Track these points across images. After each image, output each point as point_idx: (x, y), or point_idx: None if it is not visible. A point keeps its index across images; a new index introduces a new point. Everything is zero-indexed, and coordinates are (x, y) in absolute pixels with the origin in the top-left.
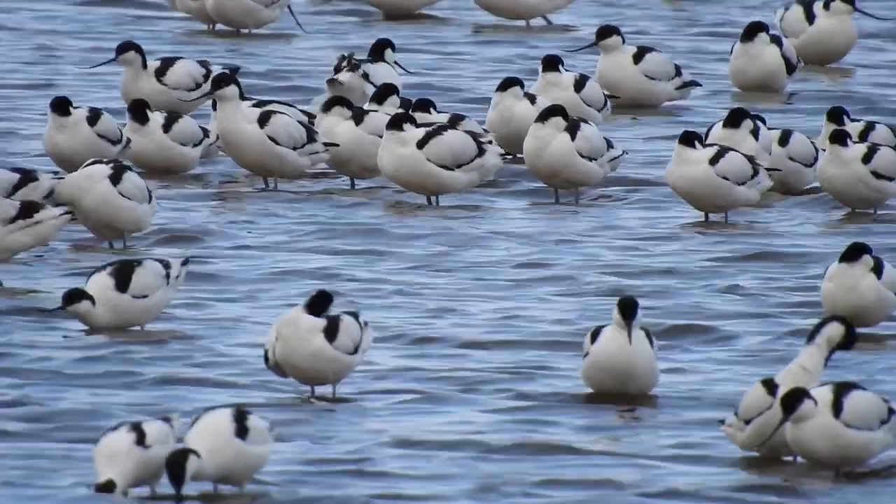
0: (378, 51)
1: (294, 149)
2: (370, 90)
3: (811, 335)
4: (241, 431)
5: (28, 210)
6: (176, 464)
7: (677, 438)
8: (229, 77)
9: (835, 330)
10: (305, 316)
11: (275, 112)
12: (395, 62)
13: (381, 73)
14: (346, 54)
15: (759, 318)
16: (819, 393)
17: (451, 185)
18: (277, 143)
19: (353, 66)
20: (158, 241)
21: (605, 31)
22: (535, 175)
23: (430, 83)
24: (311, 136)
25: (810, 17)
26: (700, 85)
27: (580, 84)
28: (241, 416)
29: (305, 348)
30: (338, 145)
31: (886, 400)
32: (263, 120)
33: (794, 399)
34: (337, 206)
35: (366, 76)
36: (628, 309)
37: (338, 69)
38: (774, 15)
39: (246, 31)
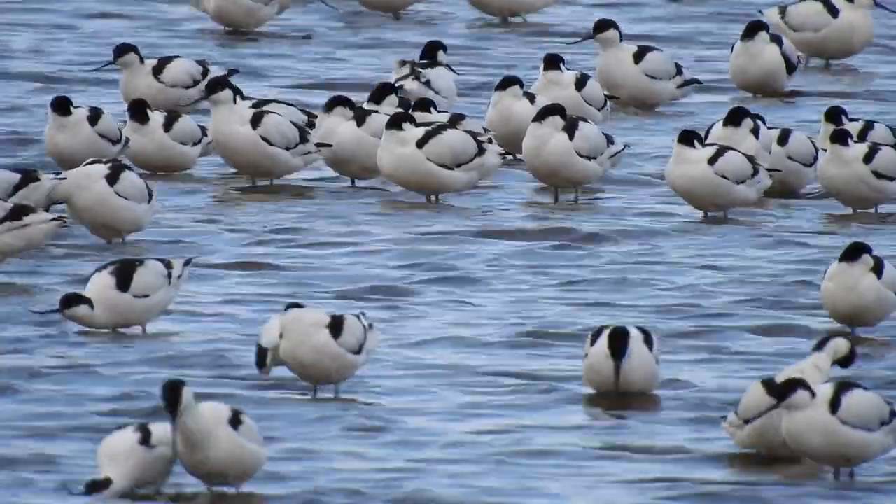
0: (431, 52)
1: (287, 149)
2: (433, 96)
3: (818, 346)
4: (234, 422)
5: (17, 212)
6: (172, 389)
7: None
8: (223, 81)
9: (841, 345)
10: (311, 311)
11: (267, 112)
12: (447, 64)
13: (441, 76)
14: (406, 60)
15: None
16: (820, 388)
17: (450, 184)
18: (270, 144)
19: (416, 74)
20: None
21: (603, 25)
22: (534, 174)
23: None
24: (304, 137)
25: (833, 11)
26: (701, 83)
27: (581, 83)
28: (237, 411)
29: (309, 343)
30: (330, 146)
31: (889, 402)
32: (256, 121)
33: (789, 387)
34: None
35: (428, 83)
36: (618, 344)
37: (411, 72)
38: (764, 14)
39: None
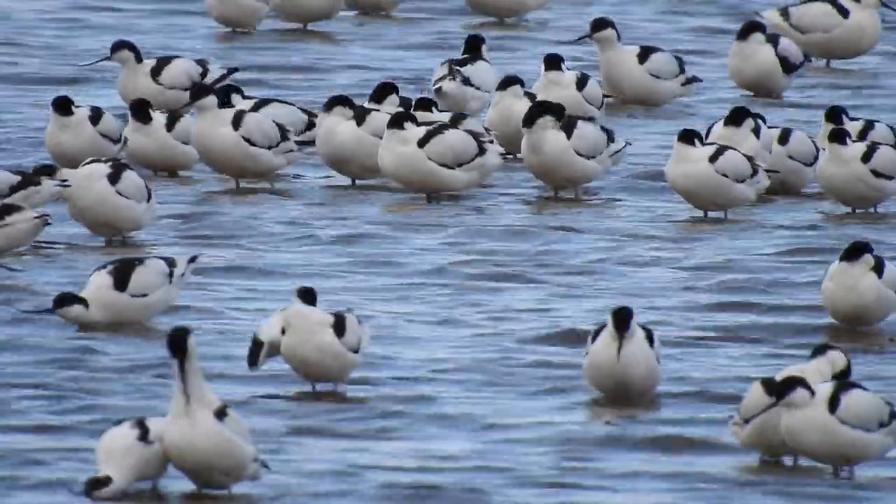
0: (474, 47)
1: (269, 147)
2: (472, 93)
3: (815, 353)
4: (220, 414)
5: None
6: (177, 339)
7: None
8: (208, 87)
9: (838, 360)
10: (316, 310)
11: (246, 112)
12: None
13: (481, 71)
14: (448, 60)
15: None
16: (819, 388)
17: (451, 184)
18: (253, 144)
19: (454, 74)
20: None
21: (600, 24)
22: (534, 174)
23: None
24: (285, 135)
25: (843, 12)
26: (701, 80)
27: (582, 83)
28: (224, 404)
29: (313, 341)
30: (312, 143)
31: (890, 403)
32: (237, 121)
33: (788, 385)
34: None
35: (467, 81)
36: (622, 321)
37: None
38: (763, 16)
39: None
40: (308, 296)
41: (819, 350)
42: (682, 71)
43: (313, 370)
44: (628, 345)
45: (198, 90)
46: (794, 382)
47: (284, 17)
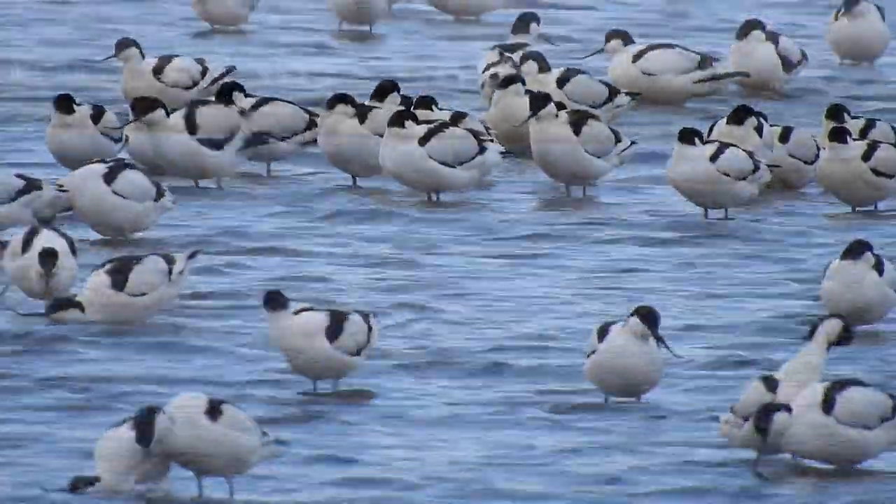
0: (524, 26)
1: (221, 146)
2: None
3: (810, 333)
4: (213, 413)
5: None
6: (144, 422)
7: None
8: (156, 101)
9: (832, 327)
10: (296, 317)
11: (196, 108)
12: (540, 34)
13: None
14: (496, 46)
15: None
16: (811, 391)
17: (452, 182)
18: (213, 146)
19: (505, 59)
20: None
21: (609, 36)
22: (543, 170)
23: None
24: (233, 133)
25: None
26: (748, 76)
27: (563, 80)
28: (215, 402)
29: (304, 348)
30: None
31: (893, 396)
32: (191, 124)
33: (765, 418)
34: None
35: (517, 67)
36: (655, 319)
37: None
38: (833, 22)
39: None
40: (275, 302)
41: (811, 332)
42: (703, 67)
43: (307, 372)
44: (651, 344)
45: (147, 104)
46: (769, 412)
47: (343, 16)
